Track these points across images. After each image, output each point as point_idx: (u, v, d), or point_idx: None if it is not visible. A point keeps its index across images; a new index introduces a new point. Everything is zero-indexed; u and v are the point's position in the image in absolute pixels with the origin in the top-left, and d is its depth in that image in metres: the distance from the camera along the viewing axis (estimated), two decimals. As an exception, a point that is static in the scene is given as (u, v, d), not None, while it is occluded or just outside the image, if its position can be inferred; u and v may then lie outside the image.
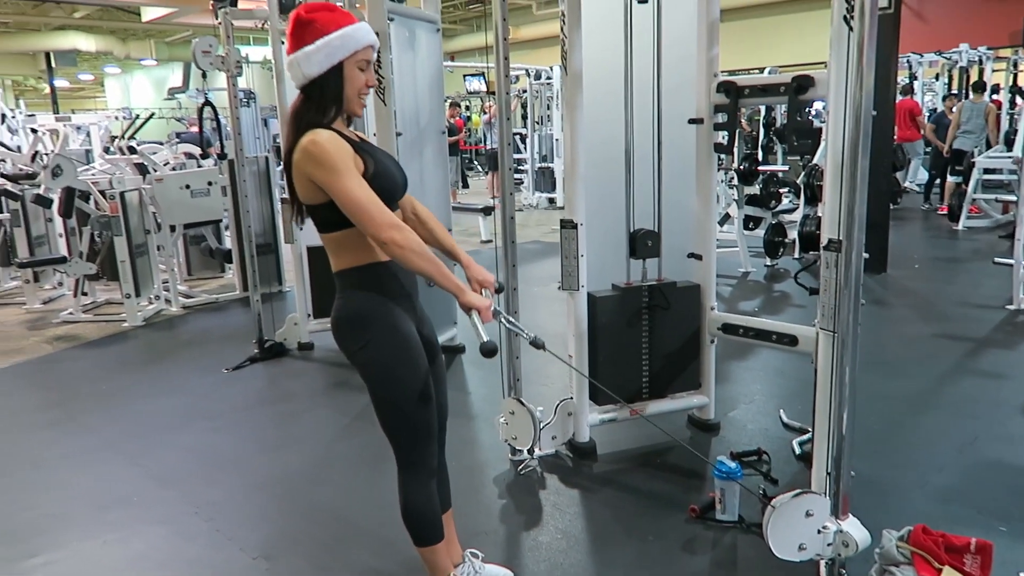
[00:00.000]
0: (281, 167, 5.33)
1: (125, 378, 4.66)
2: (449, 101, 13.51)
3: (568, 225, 3.09)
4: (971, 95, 10.35)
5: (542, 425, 3.15)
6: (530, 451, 3.17)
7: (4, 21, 20.54)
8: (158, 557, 2.66)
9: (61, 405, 4.20)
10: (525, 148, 13.15)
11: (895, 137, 11.18)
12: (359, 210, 1.81)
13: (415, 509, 2.09)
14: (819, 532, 2.28)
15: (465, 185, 14.32)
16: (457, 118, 12.80)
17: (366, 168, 1.89)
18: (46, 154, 6.61)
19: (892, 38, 6.40)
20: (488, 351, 1.84)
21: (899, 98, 11.35)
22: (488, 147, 14.69)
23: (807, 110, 11.03)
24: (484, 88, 15.73)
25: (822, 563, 2.34)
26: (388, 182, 1.94)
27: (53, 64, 22.36)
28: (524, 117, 13.81)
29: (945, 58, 12.27)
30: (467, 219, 9.51)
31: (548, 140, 12.52)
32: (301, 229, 4.76)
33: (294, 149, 1.88)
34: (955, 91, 11.89)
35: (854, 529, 2.27)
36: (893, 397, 3.84)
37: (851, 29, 2.20)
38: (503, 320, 1.95)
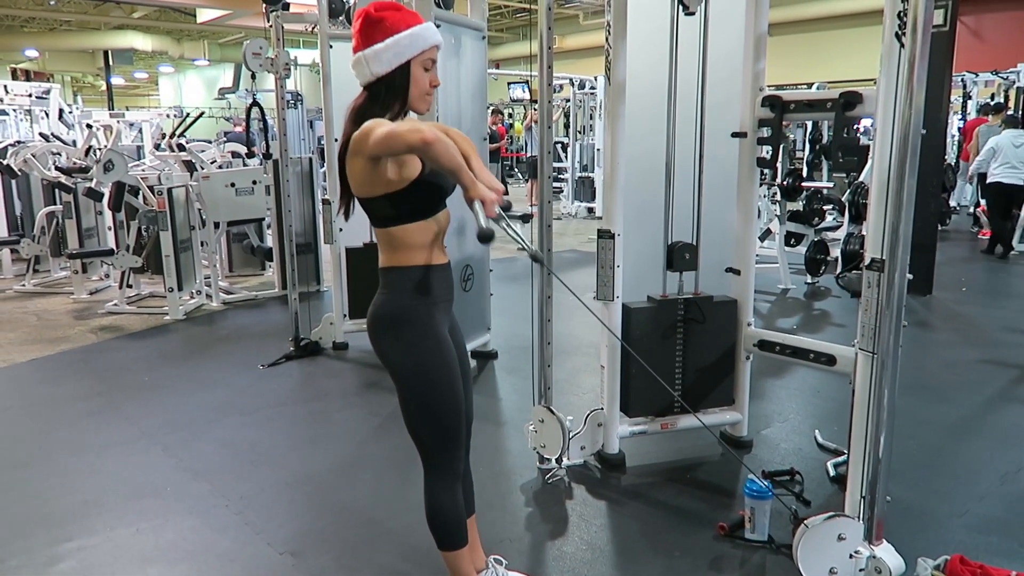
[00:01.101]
0: (324, 168, 5.39)
1: (165, 370, 4.76)
2: (491, 108, 13.57)
3: (605, 235, 3.07)
4: (989, 117, 10.06)
5: (571, 435, 3.13)
6: (558, 460, 3.15)
7: (66, 20, 21.23)
8: (187, 547, 2.71)
9: (103, 394, 4.30)
10: (566, 157, 13.15)
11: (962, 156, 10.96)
12: (392, 136, 1.78)
13: (440, 513, 2.09)
14: (851, 557, 2.23)
15: (505, 192, 14.35)
16: (499, 125, 12.82)
17: (422, 166, 1.91)
18: (99, 149, 6.80)
19: (946, 56, 6.26)
20: (484, 236, 1.78)
21: (976, 116, 11.09)
22: (529, 155, 14.70)
23: (854, 127, 10.86)
24: (528, 96, 15.78)
25: (853, 589, 2.29)
26: (439, 181, 1.96)
27: (111, 62, 23.04)
28: (566, 126, 13.81)
29: (1001, 78, 11.97)
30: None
31: (589, 150, 12.51)
32: (340, 229, 4.85)
33: (349, 142, 1.91)
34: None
35: (888, 555, 2.22)
36: (934, 422, 3.74)
37: (902, 45, 2.16)
38: (505, 226, 1.91)
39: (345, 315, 5.08)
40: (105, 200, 6.17)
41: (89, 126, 8.18)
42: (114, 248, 6.41)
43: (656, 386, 3.20)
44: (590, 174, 12.22)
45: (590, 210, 12.06)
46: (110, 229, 7.02)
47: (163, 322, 5.88)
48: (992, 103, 10.14)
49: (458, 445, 2.08)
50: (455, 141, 2.01)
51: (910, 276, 2.23)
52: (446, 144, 1.79)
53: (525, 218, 8.46)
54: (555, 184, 13.28)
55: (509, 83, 16.23)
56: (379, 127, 1.82)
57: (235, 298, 6.61)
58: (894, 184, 2.15)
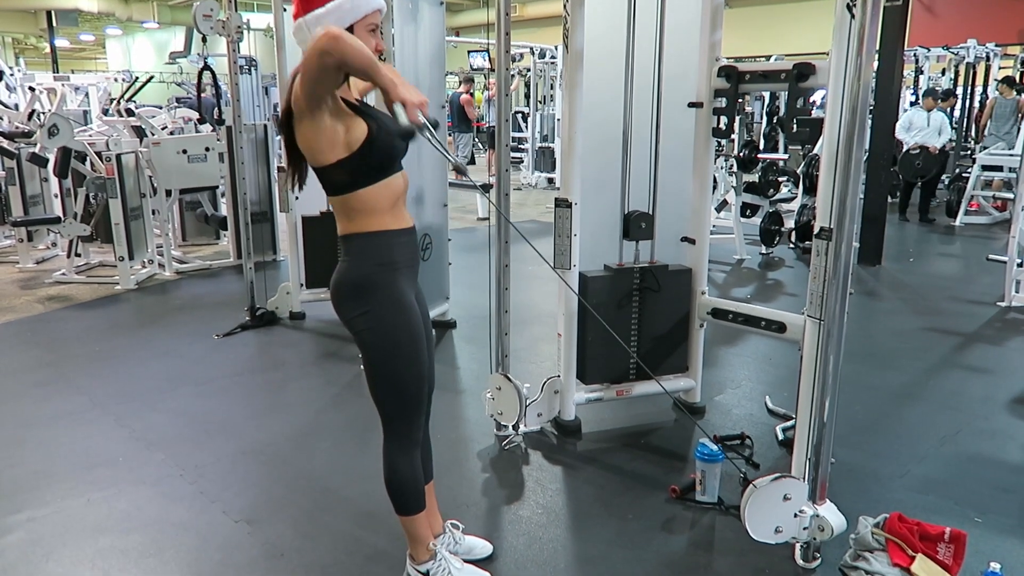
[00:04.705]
0: (279, 136, 5.31)
1: (116, 340, 4.66)
2: (463, 76, 13.35)
3: (563, 204, 3.08)
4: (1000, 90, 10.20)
5: (528, 402, 3.17)
6: (515, 427, 3.19)
7: (6, -23, 20.27)
8: (141, 517, 2.68)
9: (52, 365, 4.21)
10: (526, 127, 13.06)
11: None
12: (303, 67, 1.78)
13: (399, 478, 2.11)
14: (796, 516, 2.30)
15: (472, 162, 14.17)
16: (470, 94, 12.50)
17: (369, 130, 1.88)
18: (43, 113, 6.57)
19: (899, 31, 6.36)
20: (405, 132, 1.78)
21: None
22: (489, 125, 14.55)
23: (810, 100, 10.96)
24: (488, 64, 15.60)
25: (797, 546, 2.37)
26: (389, 142, 1.93)
27: (54, 23, 22.11)
28: (527, 96, 13.69)
29: (952, 53, 12.19)
30: (464, 195, 9.51)
31: (550, 120, 12.45)
32: (296, 197, 4.77)
33: (290, 109, 1.87)
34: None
35: (830, 514, 2.30)
36: (880, 388, 3.87)
37: (853, 17, 2.18)
38: (429, 136, 1.87)
39: (302, 284, 5.02)
40: (50, 166, 5.97)
41: (32, 89, 7.89)
42: (61, 216, 6.22)
43: (612, 354, 3.25)
44: (550, 144, 12.18)
45: (550, 180, 12.05)
46: (56, 196, 6.80)
47: (114, 292, 5.75)
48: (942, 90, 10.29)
49: (419, 412, 2.09)
50: None
51: (856, 245, 2.28)
52: (354, 41, 1.74)
53: (485, 187, 8.44)
54: (515, 155, 13.20)
55: (469, 51, 16.01)
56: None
57: (189, 267, 6.49)
58: (843, 155, 2.19)
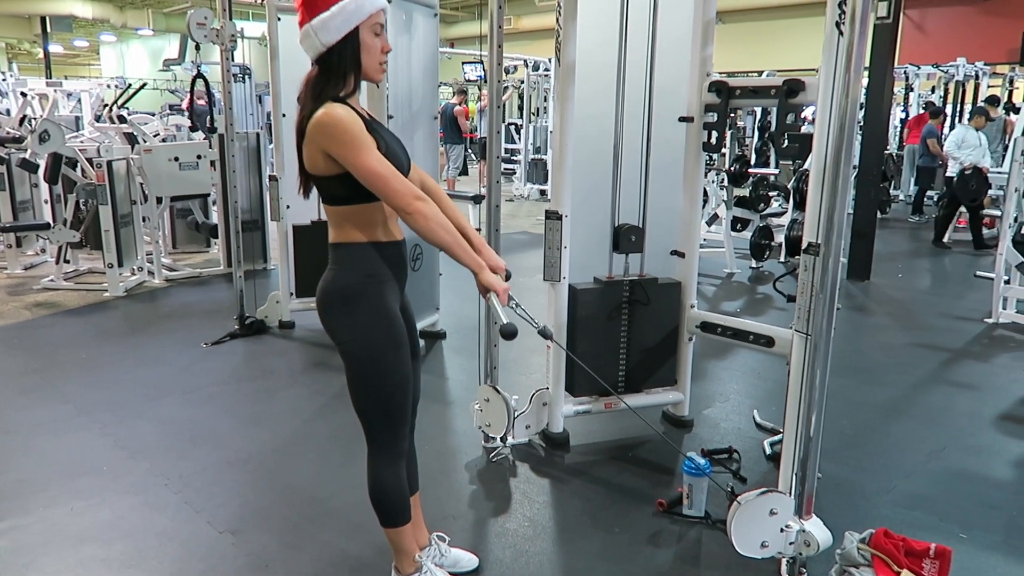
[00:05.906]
0: (272, 144, 5.29)
1: (103, 348, 4.64)
2: (457, 87, 13.37)
3: (553, 216, 3.09)
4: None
5: (517, 414, 3.16)
6: (503, 439, 3.18)
7: (0, -18, 20.24)
8: (125, 527, 2.66)
9: (38, 372, 4.18)
10: (519, 139, 13.09)
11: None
12: (382, 183, 1.83)
13: (383, 490, 2.10)
14: (782, 531, 2.30)
15: (464, 172, 14.18)
16: (463, 105, 12.48)
17: (377, 147, 1.89)
18: (34, 118, 6.55)
19: (889, 48, 6.43)
20: (508, 333, 1.84)
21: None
22: (480, 136, 14.57)
23: (801, 116, 11.05)
24: (482, 76, 15.63)
25: (783, 561, 2.36)
26: (393, 163, 1.92)
27: (48, 29, 22.09)
28: (520, 108, 13.72)
29: (942, 71, 12.32)
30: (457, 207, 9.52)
31: (543, 132, 12.50)
32: (288, 207, 4.77)
33: (308, 120, 1.87)
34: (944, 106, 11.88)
35: (816, 529, 2.30)
36: (867, 403, 3.88)
37: (842, 34, 2.21)
38: (514, 306, 1.96)
39: (292, 293, 5.01)
40: (40, 172, 5.95)
41: (24, 94, 7.87)
42: (50, 222, 6.19)
43: (602, 366, 3.25)
44: (543, 156, 12.22)
45: (542, 192, 12.09)
46: (46, 202, 6.77)
47: (102, 299, 5.72)
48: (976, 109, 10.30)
49: (403, 423, 2.08)
50: (445, 208, 2.01)
51: (844, 260, 2.29)
52: (440, 222, 1.82)
53: (477, 199, 8.45)
54: (508, 166, 13.21)
55: (464, 63, 16.07)
56: (365, 149, 1.81)
57: (178, 275, 6.46)
58: (830, 171, 2.20)
